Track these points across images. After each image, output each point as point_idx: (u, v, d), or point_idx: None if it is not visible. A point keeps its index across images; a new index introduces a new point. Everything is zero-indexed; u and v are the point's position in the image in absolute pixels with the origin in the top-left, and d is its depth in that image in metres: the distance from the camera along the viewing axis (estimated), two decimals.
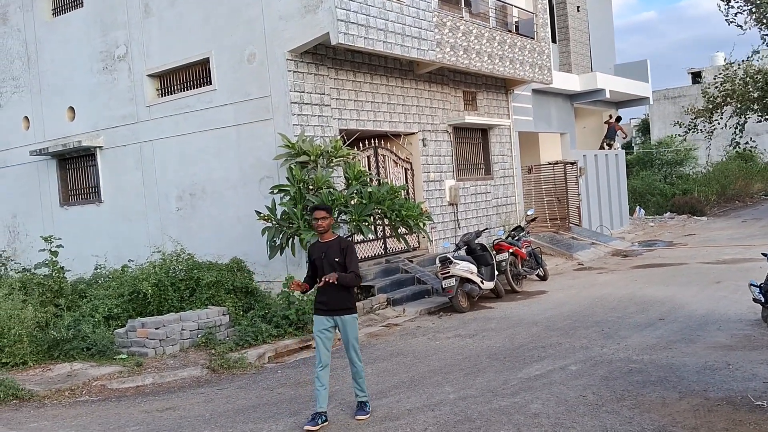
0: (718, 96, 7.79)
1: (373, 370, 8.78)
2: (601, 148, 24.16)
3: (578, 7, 22.43)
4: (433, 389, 7.67)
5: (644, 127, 60.13)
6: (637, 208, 27.77)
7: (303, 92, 12.37)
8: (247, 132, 12.69)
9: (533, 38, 17.74)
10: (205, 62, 13.23)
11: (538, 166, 20.13)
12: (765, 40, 6.54)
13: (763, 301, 9.44)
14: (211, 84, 13.16)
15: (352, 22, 12.00)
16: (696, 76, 62.23)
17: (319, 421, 6.69)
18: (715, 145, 53.63)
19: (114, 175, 14.85)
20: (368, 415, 6.90)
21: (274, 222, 11.46)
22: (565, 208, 19.88)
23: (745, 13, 6.29)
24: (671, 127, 55.41)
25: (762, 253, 10.59)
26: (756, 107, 7.19)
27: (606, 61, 24.72)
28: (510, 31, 16.96)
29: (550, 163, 20.15)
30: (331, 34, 11.73)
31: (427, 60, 14.05)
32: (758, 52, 7.73)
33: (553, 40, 21.34)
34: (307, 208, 7.77)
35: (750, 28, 6.33)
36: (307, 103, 12.43)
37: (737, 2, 6.19)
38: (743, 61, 7.85)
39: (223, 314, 10.70)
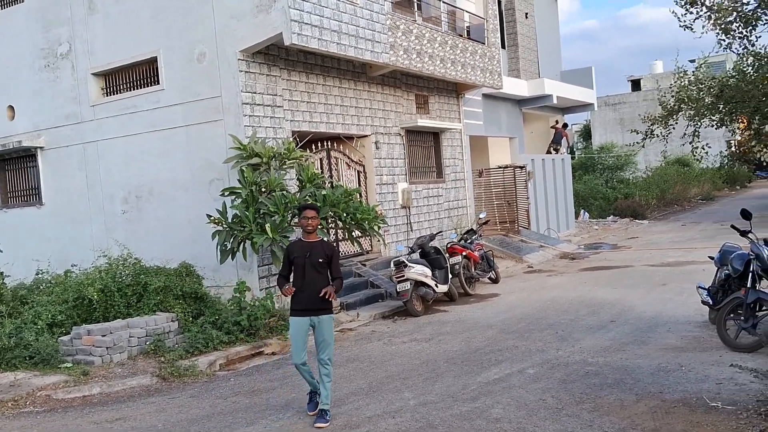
0: (672, 102, 7.98)
1: None
2: (548, 152, 24.53)
3: (526, 14, 22.73)
4: (392, 395, 7.57)
5: (586, 133, 61.53)
6: (582, 211, 28.30)
7: (255, 93, 12.14)
8: (196, 133, 12.39)
9: (484, 43, 17.87)
10: (153, 61, 12.86)
11: (488, 170, 20.30)
12: (722, 45, 6.75)
13: (711, 303, 9.66)
14: (158, 84, 12.79)
15: (306, 23, 11.84)
16: (635, 84, 64.06)
17: (317, 400, 6.97)
18: (653, 150, 55.44)
19: (56, 177, 14.31)
20: (328, 423, 6.77)
21: (225, 225, 11.20)
22: (515, 211, 20.09)
23: (703, 18, 6.48)
24: (612, 133, 57.16)
25: (708, 257, 10.86)
26: (708, 113, 7.38)
27: (552, 68, 25.13)
28: (461, 36, 17.05)
29: (500, 167, 20.34)
30: (284, 34, 11.54)
31: (380, 63, 13.97)
32: (706, 60, 7.95)
33: (503, 46, 21.56)
34: (296, 208, 7.76)
35: (707, 32, 6.53)
36: (259, 104, 12.21)
37: (697, 8, 6.36)
38: (697, 68, 8.06)
39: (172, 320, 10.40)
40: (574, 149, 58.01)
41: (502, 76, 18.94)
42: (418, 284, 12.20)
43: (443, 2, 16.58)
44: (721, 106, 6.97)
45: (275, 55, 12.59)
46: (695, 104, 7.39)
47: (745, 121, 7.68)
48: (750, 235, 9.18)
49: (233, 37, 11.88)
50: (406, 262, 12.21)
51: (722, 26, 6.48)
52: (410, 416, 6.79)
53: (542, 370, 8.13)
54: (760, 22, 6.34)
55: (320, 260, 6.86)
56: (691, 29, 6.80)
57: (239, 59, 11.87)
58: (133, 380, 8.78)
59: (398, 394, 7.59)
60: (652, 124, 8.36)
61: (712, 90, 7.23)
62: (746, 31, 6.51)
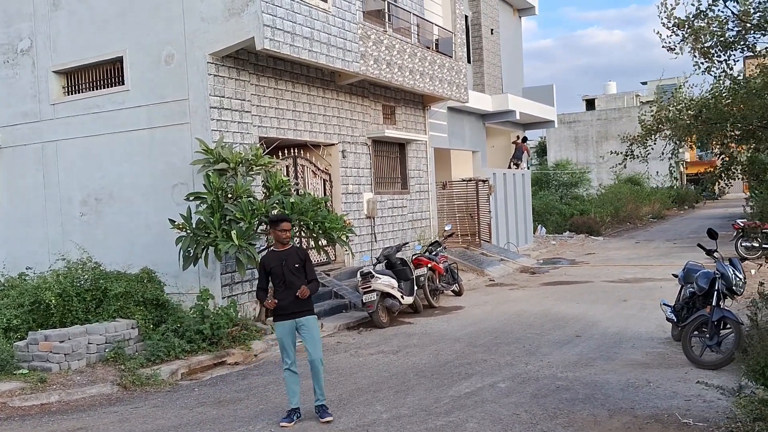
0: (652, 122, 8.15)
1: None
2: (509, 167, 24.77)
3: (492, 30, 22.97)
4: (364, 408, 7.46)
5: (541, 150, 62.48)
6: (539, 226, 28.63)
7: (223, 97, 11.94)
8: (161, 136, 12.11)
9: (452, 57, 17.97)
10: (118, 61, 12.54)
11: (451, 183, 20.36)
12: (700, 67, 6.92)
13: (675, 320, 9.81)
14: (123, 84, 12.48)
15: (278, 29, 11.70)
16: (590, 103, 65.45)
17: (295, 418, 7.06)
18: (605, 168, 56.61)
19: (11, 176, 13.81)
20: (332, 417, 7.04)
21: (188, 231, 10.95)
22: (477, 224, 20.19)
23: (687, 41, 6.60)
24: (566, 151, 58.18)
25: (672, 274, 11.05)
26: (687, 134, 7.54)
27: (515, 84, 25.43)
28: (430, 49, 17.11)
29: (464, 180, 20.43)
30: (256, 39, 11.39)
31: (351, 71, 13.90)
32: (686, 80, 8.16)
33: (468, 61, 21.73)
34: (269, 219, 7.97)
35: (686, 53, 6.64)
36: (227, 109, 12.01)
37: (683, 30, 6.48)
38: (676, 88, 8.26)
39: (133, 327, 10.09)
40: (529, 165, 58.94)
41: (468, 90, 19.06)
42: (385, 295, 12.11)
43: (413, 14, 16.62)
44: (699, 127, 7.13)
45: (245, 59, 12.42)
46: (673, 124, 7.55)
47: (716, 145, 7.88)
48: (716, 254, 9.36)
49: (203, 40, 11.67)
50: (373, 272, 12.11)
51: (702, 50, 6.63)
52: (384, 430, 6.70)
53: (513, 384, 8.12)
54: (739, 47, 6.50)
55: (296, 265, 7.17)
56: (673, 51, 6.92)
57: (208, 62, 11.67)
58: (92, 388, 8.48)
59: (370, 407, 7.47)
60: (631, 144, 8.52)
61: (690, 111, 7.39)
62: (725, 56, 6.68)
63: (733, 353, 8.45)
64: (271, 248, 7.33)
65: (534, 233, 26.90)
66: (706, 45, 6.58)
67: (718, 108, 6.94)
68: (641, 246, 25.16)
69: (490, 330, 11.38)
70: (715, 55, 6.67)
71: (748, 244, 19.57)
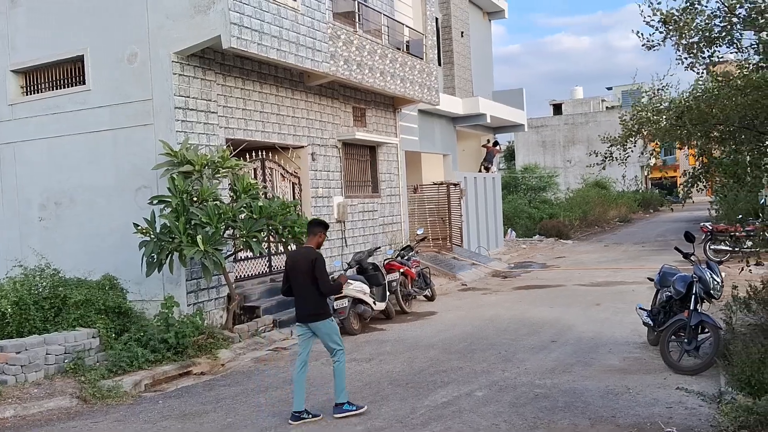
0: (633, 124, 8.02)
1: (267, 400, 8.16)
2: (480, 171, 24.66)
3: (462, 32, 22.84)
4: (337, 420, 7.16)
5: (509, 154, 62.71)
6: (509, 230, 28.58)
7: (188, 97, 11.55)
8: (124, 137, 11.67)
9: (422, 59, 17.78)
10: (79, 60, 12.08)
11: (422, 186, 20.15)
12: (683, 63, 6.77)
13: (651, 324, 9.68)
14: (85, 84, 12.02)
15: (246, 27, 11.36)
16: (557, 108, 65.94)
17: (305, 416, 7.22)
18: (573, 173, 57.03)
19: None
20: (345, 413, 7.21)
21: (152, 236, 10.55)
22: (448, 228, 20.00)
23: (671, 37, 6.47)
24: (534, 155, 58.47)
25: (648, 278, 10.94)
26: (668, 136, 7.40)
27: (485, 87, 25.33)
28: (401, 50, 16.88)
29: (435, 184, 20.23)
30: (222, 37, 11.04)
31: (320, 72, 13.60)
32: (663, 83, 8.03)
33: (438, 63, 21.55)
34: (313, 223, 8.03)
35: (664, 45, 6.50)
36: (192, 109, 11.63)
37: (668, 26, 6.33)
38: (658, 89, 8.10)
39: (94, 337, 9.65)
40: (497, 169, 59.14)
41: (439, 92, 18.88)
42: (356, 301, 11.82)
43: (383, 15, 16.38)
44: (681, 128, 6.99)
45: (211, 59, 12.05)
46: (653, 127, 7.41)
47: (696, 147, 7.76)
48: (692, 257, 9.25)
49: (167, 38, 11.28)
50: None
51: (687, 45, 6.49)
52: None
53: (491, 393, 7.88)
54: (724, 42, 6.37)
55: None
56: (654, 48, 6.77)
57: (173, 61, 11.28)
58: (50, 402, 8.04)
59: (343, 419, 7.18)
60: (610, 146, 8.38)
61: (670, 113, 7.27)
62: (710, 51, 6.54)
63: (712, 358, 8.33)
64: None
65: (504, 237, 26.83)
66: (691, 41, 6.44)
67: (700, 109, 6.80)
68: (610, 249, 25.22)
69: (464, 336, 11.15)
70: (699, 51, 6.54)
71: (716, 247, 19.68)
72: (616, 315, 12.42)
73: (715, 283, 8.83)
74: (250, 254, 12.46)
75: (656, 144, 8.15)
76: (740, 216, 21.20)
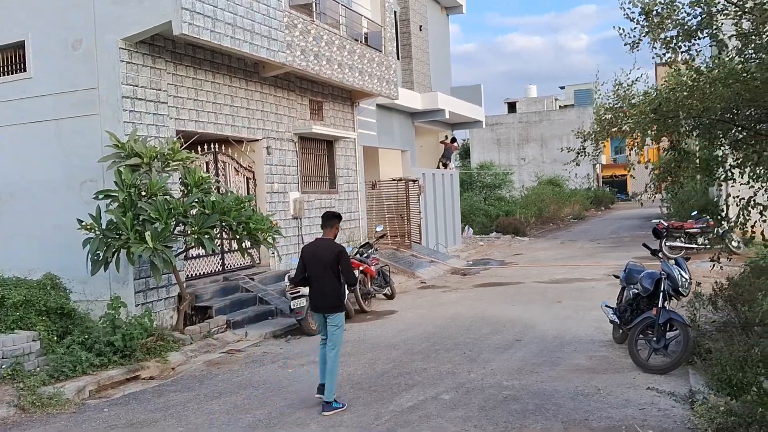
0: (610, 116, 7.82)
1: (221, 407, 7.65)
2: (438, 167, 24.40)
3: (420, 26, 22.51)
4: (297, 429, 6.73)
5: (464, 151, 62.82)
6: (467, 227, 28.42)
7: (137, 86, 10.94)
8: (68, 128, 11.00)
9: (381, 51, 17.38)
10: (20, 46, 11.35)
11: (381, 182, 19.77)
12: (661, 59, 6.55)
13: (618, 322, 9.47)
14: (26, 71, 11.30)
15: (198, 13, 10.80)
16: (512, 106, 66.35)
17: (336, 406, 7.22)
18: (527, 170, 57.44)
19: None
20: (334, 410, 7.11)
21: (98, 232, 9.93)
22: (406, 225, 19.67)
23: (650, 31, 6.26)
24: (489, 152, 58.70)
25: (613, 275, 10.75)
26: (648, 128, 7.22)
27: (443, 83, 25.06)
28: (359, 42, 16.45)
29: (394, 180, 19.87)
30: (173, 22, 10.46)
31: (276, 62, 13.09)
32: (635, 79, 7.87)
33: (396, 57, 21.17)
34: (328, 216, 7.98)
35: (642, 41, 6.28)
36: (140, 99, 11.01)
37: (651, 19, 6.12)
38: (633, 81, 7.91)
39: (33, 340, 9.01)
40: (455, 166, 59.18)
41: (398, 87, 18.52)
42: None
43: (341, 5, 15.92)
44: (657, 121, 6.78)
45: (161, 46, 11.45)
46: (636, 118, 7.17)
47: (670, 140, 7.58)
48: (660, 254, 9.05)
49: (115, 24, 10.66)
50: None
51: (665, 39, 6.28)
52: None
53: (458, 396, 7.54)
54: (703, 35, 6.16)
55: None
56: (636, 46, 6.53)
57: (120, 48, 10.66)
58: None
59: (304, 428, 6.75)
60: (584, 141, 8.16)
61: (645, 106, 7.06)
62: (689, 45, 6.34)
63: (681, 357, 8.15)
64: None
65: (462, 234, 26.64)
66: (670, 34, 6.21)
67: (677, 101, 6.57)
68: (566, 246, 25.24)
69: (426, 335, 10.80)
70: (678, 44, 6.31)
71: (672, 243, 19.78)
72: (578, 312, 12.24)
73: (683, 280, 8.66)
74: (202, 252, 11.91)
75: (637, 137, 7.88)
76: (694, 212, 21.43)
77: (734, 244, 19.86)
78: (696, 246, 19.18)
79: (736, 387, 5.69)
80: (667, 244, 19.78)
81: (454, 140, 25.78)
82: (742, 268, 10.62)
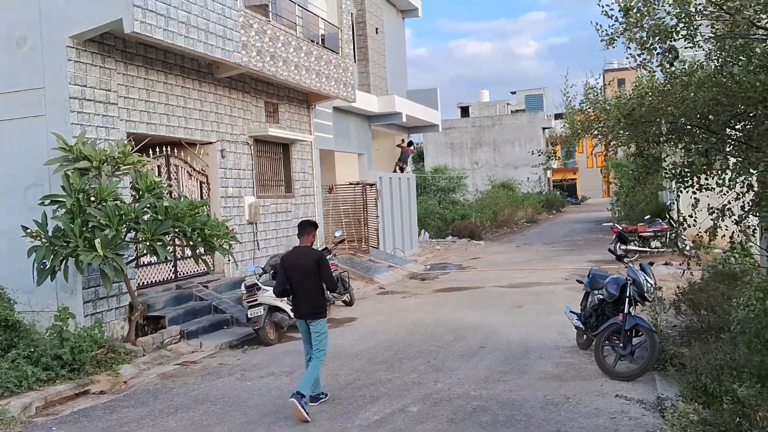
0: (582, 121, 7.74)
1: (177, 423, 7.29)
2: (395, 171, 24.22)
3: (377, 29, 22.31)
4: None
5: (418, 155, 62.91)
6: (423, 231, 28.30)
7: (85, 86, 10.45)
8: (11, 130, 10.45)
9: (338, 53, 17.10)
10: None
11: (338, 186, 19.48)
12: (636, 60, 6.47)
13: (583, 328, 9.39)
14: None
15: (150, 10, 10.38)
16: (464, 111, 66.70)
17: (321, 397, 7.66)
18: (480, 174, 57.77)
19: None
20: (317, 402, 7.51)
21: (44, 240, 9.43)
22: (363, 230, 19.41)
23: (629, 30, 6.16)
24: (443, 156, 58.85)
25: (577, 280, 10.70)
26: (621, 132, 7.14)
27: (399, 86, 24.88)
28: (316, 43, 16.15)
29: (351, 183, 19.59)
30: (124, 20, 10.02)
31: (232, 62, 12.70)
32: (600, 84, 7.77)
33: (353, 60, 20.91)
34: (305, 224, 8.14)
35: (618, 39, 6.19)
36: (89, 100, 10.53)
37: (630, 16, 6.03)
38: (604, 85, 7.81)
39: None
40: (411, 170, 59.14)
41: (355, 89, 18.28)
42: (273, 309, 11.02)
43: (297, 5, 15.60)
44: (629, 125, 6.71)
45: (111, 45, 10.98)
46: (607, 123, 7.08)
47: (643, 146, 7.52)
48: (626, 259, 9.00)
49: (62, 21, 10.18)
50: (259, 284, 10.99)
51: (641, 40, 6.19)
52: None
53: (426, 408, 7.31)
54: (680, 36, 6.09)
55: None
56: (613, 42, 6.43)
57: (68, 46, 10.18)
58: None
59: None
60: (554, 144, 8.07)
61: (617, 110, 6.98)
62: (665, 46, 6.26)
63: (648, 363, 8.08)
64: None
65: (418, 238, 26.50)
66: (645, 34, 6.11)
67: (651, 105, 6.48)
68: (522, 250, 25.33)
69: (389, 343, 10.56)
70: (652, 46, 6.23)
71: (626, 247, 19.91)
72: (540, 317, 12.16)
73: (649, 285, 8.61)
74: (153, 259, 11.45)
75: (609, 143, 7.79)
76: (647, 216, 21.71)
77: (687, 248, 20.24)
78: (650, 250, 19.40)
79: (712, 396, 5.59)
80: (621, 248, 19.92)
81: (410, 144, 25.65)
82: (702, 273, 10.66)
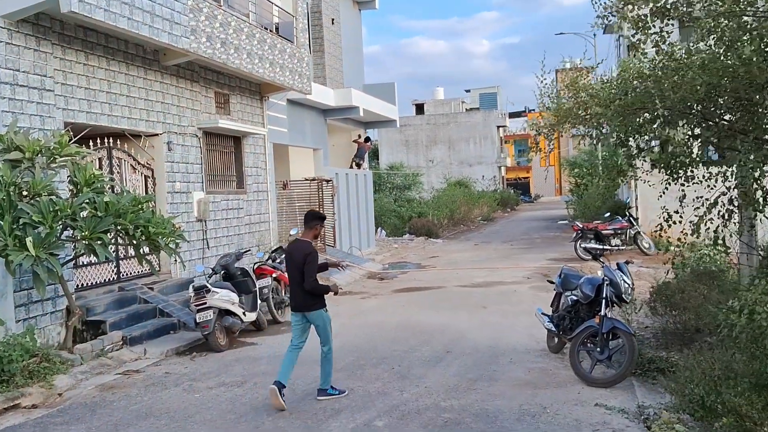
0: (571, 104, 7.29)
1: None
2: (351, 167, 23.53)
3: (333, 19, 21.59)
4: None
5: (373, 152, 62.32)
6: (379, 229, 27.69)
7: (18, 71, 9.54)
8: None
9: (293, 42, 16.35)
10: None
11: (293, 182, 18.70)
12: (629, 39, 6.04)
13: (555, 331, 8.90)
14: None
15: None
16: (419, 108, 66.33)
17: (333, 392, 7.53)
18: (435, 172, 57.48)
19: None
20: (330, 396, 7.42)
21: None
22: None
23: (619, 14, 5.76)
24: (397, 154, 58.37)
25: (548, 280, 10.21)
26: (614, 119, 6.73)
27: (356, 80, 24.20)
28: (270, 31, 15.37)
29: (306, 179, 18.84)
30: None
31: (179, 48, 11.87)
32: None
33: (309, 50, 20.17)
34: (309, 216, 7.92)
35: (611, 20, 5.76)
36: (22, 86, 9.62)
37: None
38: (592, 67, 7.31)
39: None
40: (368, 166, 58.51)
41: (311, 80, 17.55)
42: (223, 313, 10.25)
43: None
44: (620, 111, 6.25)
45: (47, 27, 10.06)
46: (598, 109, 6.59)
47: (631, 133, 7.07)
48: (602, 258, 8.51)
49: None
50: (209, 286, 10.21)
51: (636, 18, 5.72)
52: None
53: (393, 421, 6.69)
54: (676, 14, 5.63)
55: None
56: (606, 19, 5.95)
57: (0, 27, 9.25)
58: None
59: None
60: (537, 134, 7.63)
61: (610, 94, 6.52)
62: (662, 26, 5.80)
63: (627, 369, 7.60)
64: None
65: (375, 236, 25.89)
66: (641, 12, 5.61)
67: (645, 90, 5.98)
68: (481, 248, 24.92)
69: (349, 348, 9.89)
70: (647, 25, 5.73)
71: (586, 245, 19.71)
72: (506, 318, 11.67)
73: (626, 285, 8.15)
74: (94, 259, 10.56)
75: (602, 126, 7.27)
76: (607, 214, 21.51)
77: (645, 245, 20.10)
78: (610, 248, 19.14)
79: (709, 409, 5.11)
80: (582, 245, 19.72)
81: (368, 139, 25.00)
82: (674, 272, 10.26)
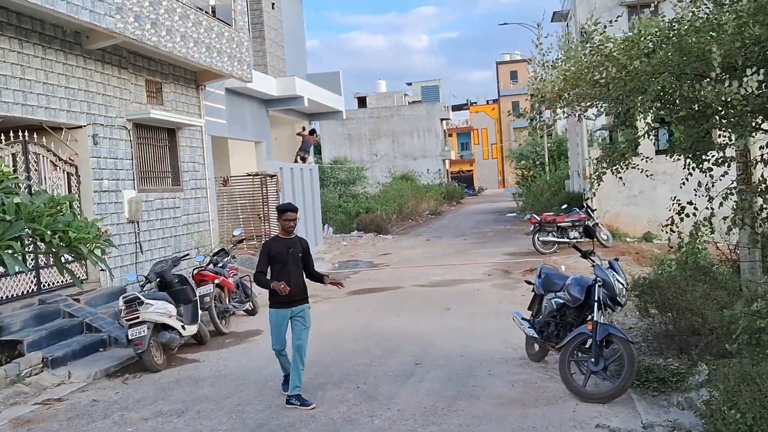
0: (570, 76, 6.40)
1: None
2: (296, 161, 22.26)
3: (273, 3, 20.28)
4: None
5: (316, 146, 60.92)
6: (326, 226, 26.52)
7: None
8: None
9: (231, 26, 15.03)
10: None
11: (234, 178, 17.38)
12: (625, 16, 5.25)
13: (538, 338, 7.95)
14: None
15: None
16: (362, 102, 65.24)
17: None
18: (380, 167, 56.52)
19: None
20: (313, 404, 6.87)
21: None
22: (264, 226, 17.41)
23: None
24: (340, 148, 57.20)
25: (526, 281, 9.25)
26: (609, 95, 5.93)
27: (299, 69, 22.91)
28: (206, 13, 14.03)
29: (249, 175, 17.53)
30: None
31: (103, 28, 10.49)
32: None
33: (248, 35, 18.83)
34: (276, 207, 8.07)
35: None
36: None
37: None
38: (589, 31, 6.44)
39: None
40: (313, 160, 57.12)
41: (251, 68, 16.26)
42: (159, 327, 8.97)
43: None
44: (625, 80, 5.40)
45: None
46: (608, 71, 5.67)
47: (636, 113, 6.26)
48: (593, 256, 7.58)
49: None
50: (141, 297, 8.90)
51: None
52: None
53: None
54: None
55: (300, 255, 7.28)
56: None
57: None
58: None
59: None
60: (539, 103, 6.74)
61: (633, 51, 5.63)
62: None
63: (627, 381, 6.69)
64: (278, 235, 7.48)
65: (322, 233, 24.70)
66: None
67: (683, 44, 5.03)
68: (433, 244, 24.00)
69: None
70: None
71: (544, 238, 19.03)
72: (474, 322, 10.72)
73: (621, 286, 7.25)
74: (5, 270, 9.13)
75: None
76: (565, 206, 20.86)
77: (603, 237, 19.52)
78: (568, 240, 18.46)
79: None
80: (540, 238, 19.02)
81: (312, 132, 23.77)
82: (652, 267, 9.44)
